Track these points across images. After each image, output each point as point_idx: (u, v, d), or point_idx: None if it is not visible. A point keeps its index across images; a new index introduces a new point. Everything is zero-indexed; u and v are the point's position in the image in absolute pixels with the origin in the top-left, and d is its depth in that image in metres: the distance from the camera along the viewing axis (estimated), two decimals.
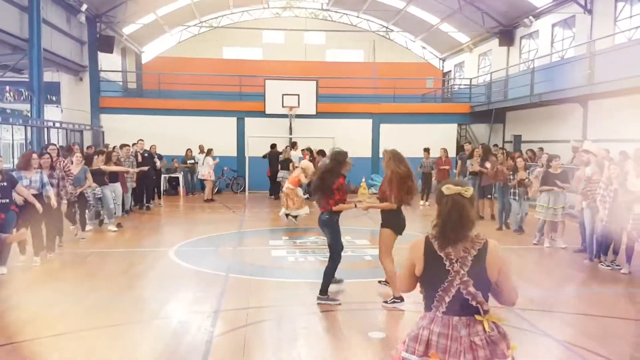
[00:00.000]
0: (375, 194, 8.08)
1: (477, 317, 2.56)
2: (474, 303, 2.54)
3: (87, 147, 14.84)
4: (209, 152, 16.73)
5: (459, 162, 14.62)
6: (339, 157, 6.06)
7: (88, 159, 10.61)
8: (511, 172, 10.60)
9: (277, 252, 9.09)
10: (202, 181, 17.08)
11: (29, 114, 15.18)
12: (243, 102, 19.71)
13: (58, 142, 15.52)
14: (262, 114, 18.54)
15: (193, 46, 26.42)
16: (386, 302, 6.10)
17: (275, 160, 16.78)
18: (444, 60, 28.19)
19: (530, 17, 18.69)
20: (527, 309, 5.76)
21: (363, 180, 14.33)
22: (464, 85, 24.26)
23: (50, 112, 16.67)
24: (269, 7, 27.01)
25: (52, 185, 7.91)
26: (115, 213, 10.91)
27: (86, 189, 9.99)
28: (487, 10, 20.11)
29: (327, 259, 6.19)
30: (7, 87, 16.34)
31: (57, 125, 15.99)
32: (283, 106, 18.29)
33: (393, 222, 6.07)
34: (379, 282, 6.82)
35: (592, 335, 5.19)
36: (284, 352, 4.80)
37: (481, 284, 2.56)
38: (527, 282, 6.98)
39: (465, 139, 21.42)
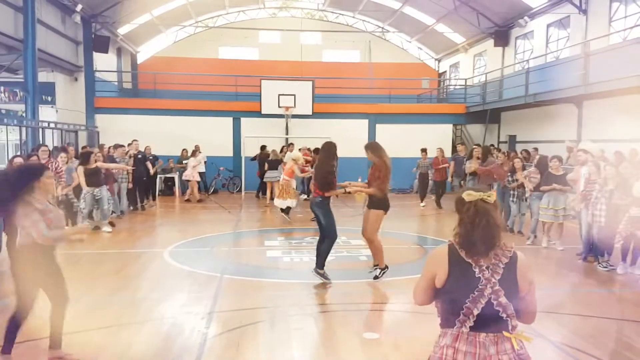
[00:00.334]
0: None
1: (506, 333, 2.35)
2: (504, 316, 2.34)
3: (83, 148, 14.79)
4: (193, 152, 16.45)
5: (453, 162, 14.64)
6: (330, 146, 7.01)
7: (83, 159, 10.52)
8: (509, 173, 10.57)
9: (272, 253, 9.08)
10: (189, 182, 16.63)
11: (24, 115, 15.12)
12: (239, 102, 19.69)
13: (53, 143, 15.48)
14: (258, 114, 18.53)
15: (189, 46, 26.36)
16: (376, 277, 6.91)
17: (264, 162, 16.54)
18: (439, 61, 28.23)
19: (525, 18, 18.73)
20: None
21: (359, 179, 14.31)
22: (459, 85, 24.30)
23: (45, 113, 16.61)
24: (265, 7, 26.99)
25: None
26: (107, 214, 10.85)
27: (69, 191, 9.86)
28: (482, 10, 20.15)
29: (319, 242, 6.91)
30: (2, 88, 16.29)
31: (52, 125, 15.92)
32: (279, 106, 18.29)
33: (384, 204, 6.85)
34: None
35: (585, 336, 5.20)
36: (278, 353, 4.79)
37: (511, 295, 2.36)
38: None
39: (460, 140, 21.48)
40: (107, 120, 18.78)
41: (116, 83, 23.28)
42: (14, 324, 4.33)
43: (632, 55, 12.67)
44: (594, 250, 8.19)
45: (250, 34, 25.95)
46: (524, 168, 10.53)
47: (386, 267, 6.99)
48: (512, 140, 19.24)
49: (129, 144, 14.11)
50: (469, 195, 2.46)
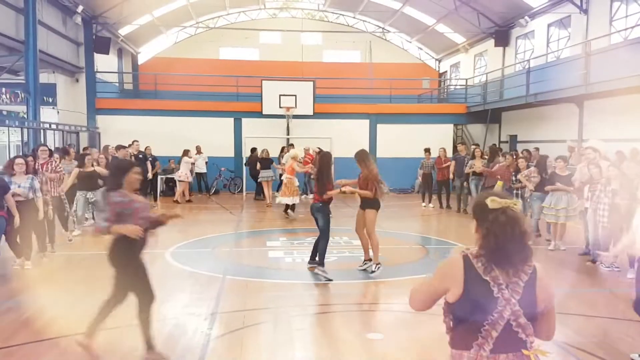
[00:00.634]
0: None
1: (525, 351, 2.24)
2: (523, 336, 2.23)
3: (84, 149, 14.80)
4: (186, 152, 16.19)
5: (453, 162, 14.65)
6: (328, 158, 7.57)
7: (80, 161, 10.49)
8: (514, 173, 10.55)
9: (274, 253, 9.08)
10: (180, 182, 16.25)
11: (25, 116, 15.13)
12: (240, 103, 19.69)
13: (54, 144, 15.50)
14: (259, 114, 18.53)
15: (189, 47, 26.37)
16: (373, 271, 7.28)
17: (255, 164, 16.23)
18: (439, 61, 28.23)
19: (526, 17, 18.72)
20: None
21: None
22: (460, 85, 24.30)
23: (47, 114, 16.61)
24: (266, 7, 27.00)
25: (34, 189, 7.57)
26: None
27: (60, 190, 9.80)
28: (483, 10, 20.14)
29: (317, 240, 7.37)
30: (3, 89, 16.31)
31: (54, 126, 15.94)
32: (280, 107, 18.28)
33: (377, 203, 7.43)
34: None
35: (589, 336, 5.20)
36: (281, 354, 4.80)
37: (529, 314, 2.23)
38: None
39: (461, 139, 21.46)
40: (108, 121, 18.77)
41: (117, 84, 23.29)
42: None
43: (633, 55, 12.66)
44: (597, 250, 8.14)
45: (251, 34, 25.96)
46: (528, 168, 10.51)
47: (380, 263, 7.45)
48: (513, 140, 19.23)
49: (129, 145, 14.10)
50: (493, 202, 2.24)
